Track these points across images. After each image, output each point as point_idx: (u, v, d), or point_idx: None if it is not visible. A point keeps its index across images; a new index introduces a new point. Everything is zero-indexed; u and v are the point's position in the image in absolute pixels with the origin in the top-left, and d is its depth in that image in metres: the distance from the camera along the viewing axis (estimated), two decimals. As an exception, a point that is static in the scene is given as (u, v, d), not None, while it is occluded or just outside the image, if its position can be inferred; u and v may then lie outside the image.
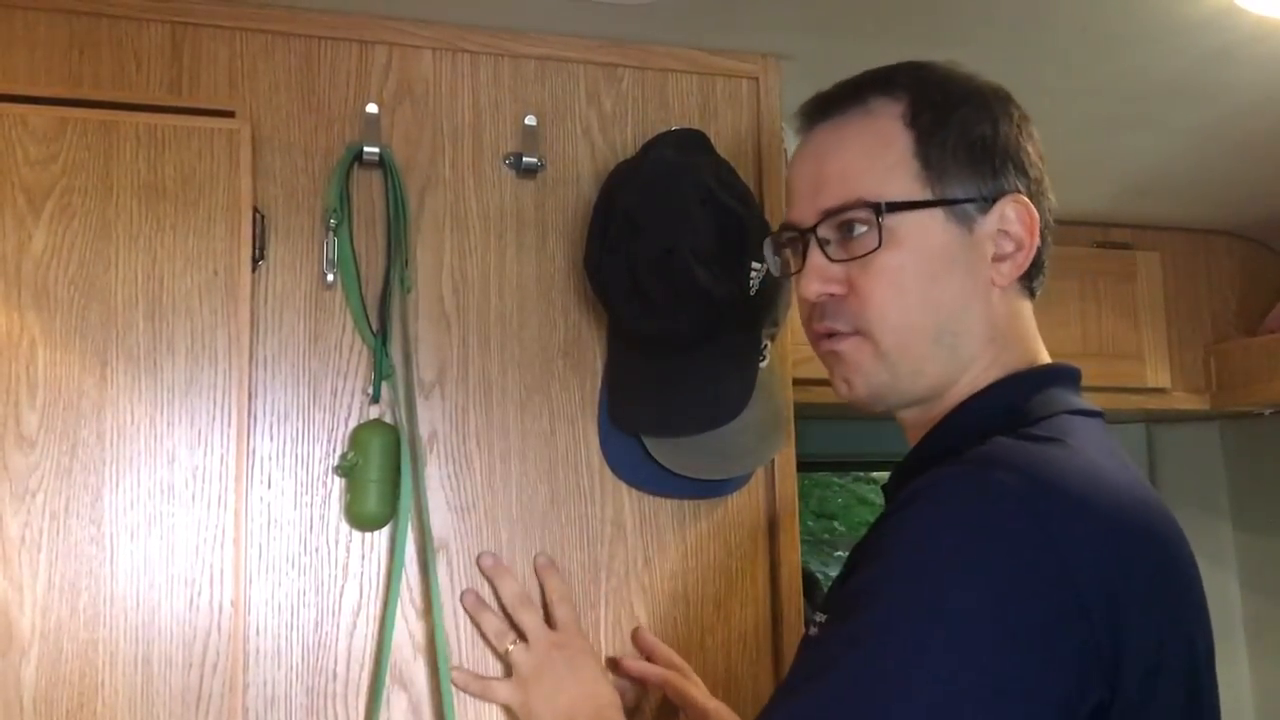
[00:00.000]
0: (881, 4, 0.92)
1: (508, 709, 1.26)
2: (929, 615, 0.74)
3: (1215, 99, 1.65)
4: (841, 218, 0.94)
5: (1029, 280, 0.95)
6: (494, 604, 1.29)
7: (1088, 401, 0.94)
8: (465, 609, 1.29)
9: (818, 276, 0.95)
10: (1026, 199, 0.92)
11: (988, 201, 0.92)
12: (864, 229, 0.92)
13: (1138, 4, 1.36)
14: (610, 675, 1.29)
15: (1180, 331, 2.36)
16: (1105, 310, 2.23)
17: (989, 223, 0.92)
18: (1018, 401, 0.90)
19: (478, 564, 1.30)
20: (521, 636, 1.25)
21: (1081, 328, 2.22)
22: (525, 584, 1.33)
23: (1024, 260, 0.92)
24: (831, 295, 0.95)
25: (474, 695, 1.27)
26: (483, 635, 1.28)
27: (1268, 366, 2.25)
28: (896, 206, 0.92)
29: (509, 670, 1.25)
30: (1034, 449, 0.82)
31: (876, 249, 0.91)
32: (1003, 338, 0.94)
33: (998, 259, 0.92)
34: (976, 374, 0.93)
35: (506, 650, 1.25)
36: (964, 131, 0.92)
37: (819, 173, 0.95)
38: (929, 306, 0.92)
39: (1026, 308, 0.96)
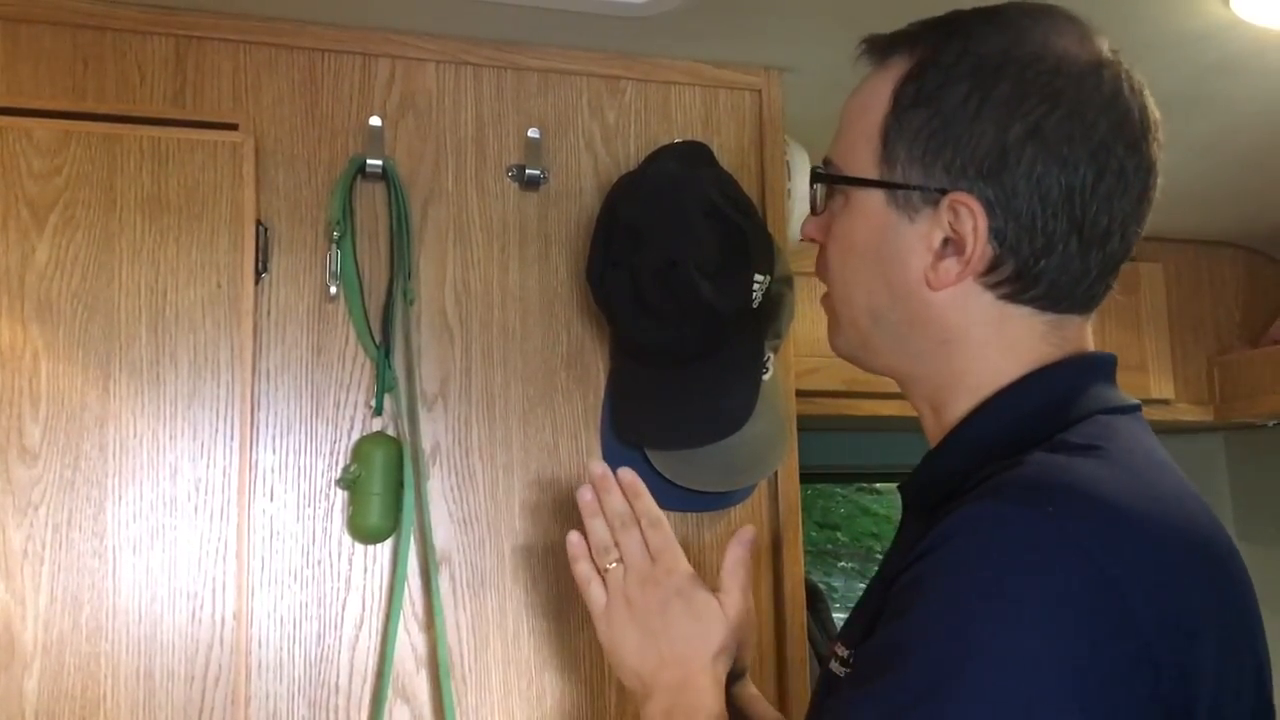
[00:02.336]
0: (883, 18, 0.91)
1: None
2: (986, 673, 0.68)
3: (1217, 111, 1.66)
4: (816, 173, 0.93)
5: (1021, 292, 0.83)
6: (496, 616, 1.29)
7: (1124, 393, 0.87)
8: (580, 507, 1.14)
9: (808, 221, 0.94)
10: (973, 200, 0.81)
11: (937, 194, 0.82)
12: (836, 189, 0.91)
13: (1138, 17, 1.36)
14: (716, 613, 1.07)
15: (1183, 343, 2.36)
16: (1108, 322, 2.23)
17: (933, 216, 0.83)
18: (1046, 403, 0.83)
19: (590, 471, 1.15)
20: (620, 559, 1.11)
21: (1084, 339, 2.21)
22: (527, 595, 1.32)
23: (970, 265, 0.82)
24: (814, 241, 0.94)
25: (578, 580, 1.12)
26: (589, 545, 1.12)
27: (1271, 378, 2.25)
28: (841, 179, 0.89)
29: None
30: (1074, 469, 0.75)
31: (837, 212, 0.90)
32: (977, 345, 0.85)
33: (938, 258, 0.83)
34: (979, 380, 0.86)
35: (605, 569, 1.11)
36: (939, 113, 0.82)
37: (839, 119, 0.93)
38: (862, 285, 0.88)
39: (1028, 320, 0.85)
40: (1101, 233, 0.82)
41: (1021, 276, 0.82)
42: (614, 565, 1.10)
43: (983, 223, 0.81)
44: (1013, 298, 0.84)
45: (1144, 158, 0.83)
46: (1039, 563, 0.69)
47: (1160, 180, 0.86)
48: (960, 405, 0.86)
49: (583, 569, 1.12)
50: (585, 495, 1.13)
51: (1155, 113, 0.85)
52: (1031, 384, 0.84)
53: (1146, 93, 0.85)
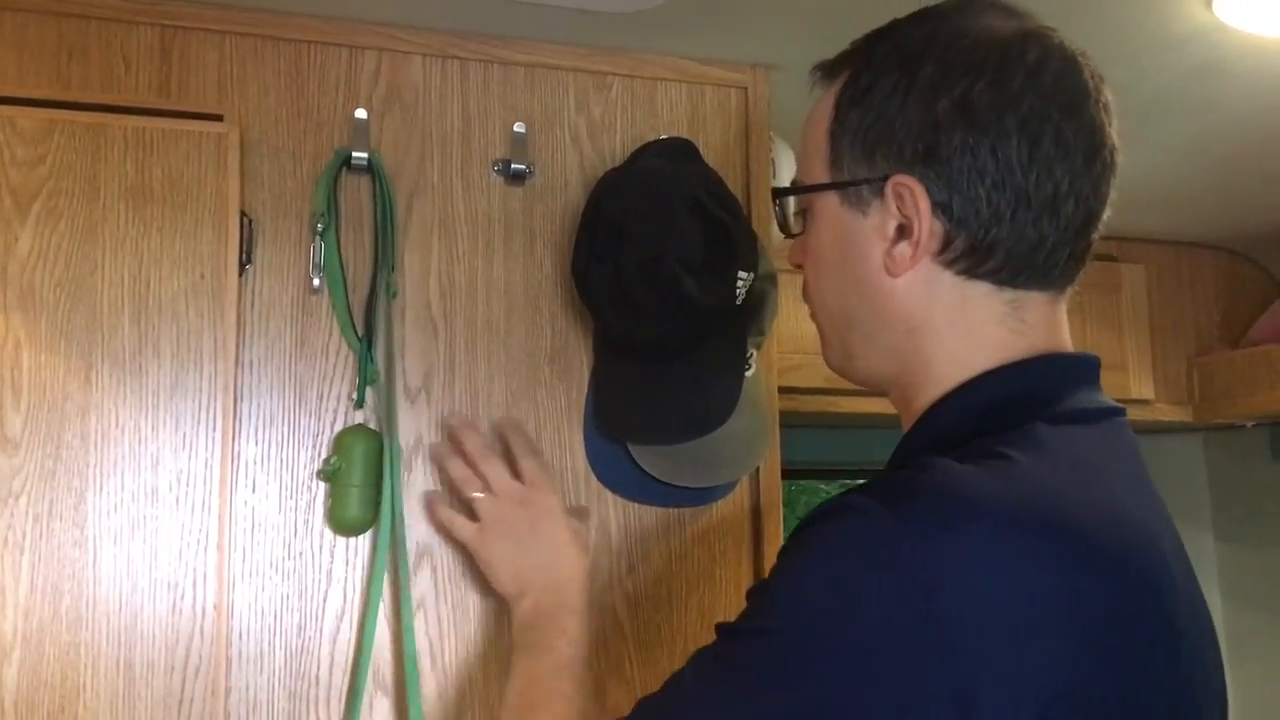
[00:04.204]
0: (870, 15, 0.91)
1: (467, 551, 1.26)
2: (791, 643, 0.74)
3: (1199, 114, 1.67)
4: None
5: (977, 265, 0.84)
6: (478, 609, 1.30)
7: (1097, 397, 0.87)
8: (432, 460, 1.30)
9: (792, 247, 0.97)
10: (912, 181, 0.83)
11: (881, 183, 0.85)
12: (801, 209, 0.94)
13: (1122, 20, 1.37)
14: (581, 537, 1.24)
15: (1164, 344, 2.37)
16: (1089, 322, 2.24)
17: (882, 206, 0.85)
18: (994, 402, 0.84)
19: (446, 422, 1.31)
20: (488, 488, 1.24)
21: (1066, 339, 2.23)
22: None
23: (921, 244, 0.84)
24: (799, 265, 0.96)
25: (438, 528, 1.28)
26: (449, 484, 1.28)
27: (1250, 379, 2.26)
28: (797, 190, 0.93)
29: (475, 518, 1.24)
30: (958, 478, 0.75)
31: (804, 230, 0.93)
32: (940, 331, 0.86)
33: (893, 244, 0.85)
34: (942, 370, 0.86)
35: (472, 498, 1.23)
36: (872, 107, 0.86)
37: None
38: (835, 292, 0.91)
39: (987, 299, 0.85)
40: (1048, 199, 0.83)
41: (975, 249, 0.84)
42: (481, 495, 1.22)
43: (924, 202, 0.83)
44: (970, 273, 0.85)
45: (1085, 121, 0.85)
46: (864, 561, 0.73)
47: (1118, 151, 0.87)
48: (925, 397, 0.88)
49: (441, 513, 1.26)
50: (440, 448, 1.29)
51: (1095, 79, 0.87)
52: (987, 382, 0.85)
53: (1083, 59, 0.87)
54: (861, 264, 0.87)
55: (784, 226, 0.99)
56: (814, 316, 0.96)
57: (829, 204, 0.89)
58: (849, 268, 0.89)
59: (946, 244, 0.84)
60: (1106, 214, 0.89)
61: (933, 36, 0.86)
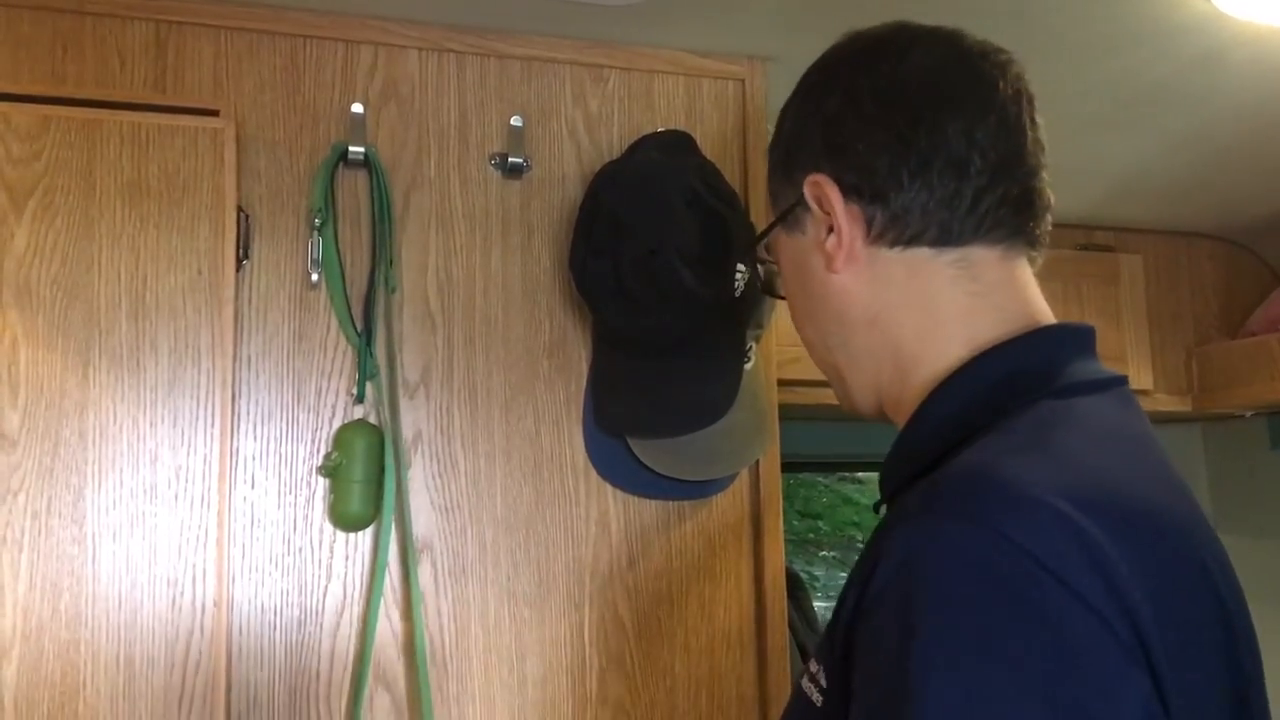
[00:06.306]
0: (866, 6, 0.91)
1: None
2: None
3: (1198, 103, 1.66)
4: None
5: (903, 232, 0.85)
6: (478, 604, 1.29)
7: (1096, 366, 0.85)
8: None
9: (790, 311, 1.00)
10: (815, 175, 0.87)
11: (803, 197, 0.89)
12: (774, 266, 0.99)
13: (1121, 9, 1.37)
14: None
15: (1162, 334, 2.37)
16: (1088, 312, 2.24)
17: (811, 216, 0.89)
18: (996, 384, 0.82)
19: None
20: None
21: (1064, 330, 2.23)
22: (509, 583, 1.33)
23: (844, 231, 0.86)
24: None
25: None
26: None
27: (1249, 369, 2.26)
28: (755, 241, 0.99)
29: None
30: (1002, 468, 0.72)
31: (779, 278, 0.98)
32: (898, 309, 0.86)
33: (822, 243, 0.88)
34: (914, 350, 0.86)
35: None
36: (783, 140, 0.93)
37: None
38: (807, 318, 0.94)
39: (930, 263, 0.85)
40: (951, 155, 0.85)
41: (896, 218, 0.85)
42: None
43: (833, 190, 0.87)
44: (901, 241, 0.86)
45: (970, 77, 0.87)
46: (995, 587, 0.66)
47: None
48: (910, 387, 0.87)
49: None
50: None
51: (979, 47, 0.89)
52: (978, 367, 0.84)
53: (962, 37, 0.90)
54: (813, 277, 0.90)
55: (769, 289, 1.04)
56: (819, 367, 0.97)
57: (782, 242, 0.94)
58: (808, 287, 0.92)
59: (870, 222, 0.86)
60: (1040, 157, 0.89)
61: (821, 61, 0.93)
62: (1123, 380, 0.86)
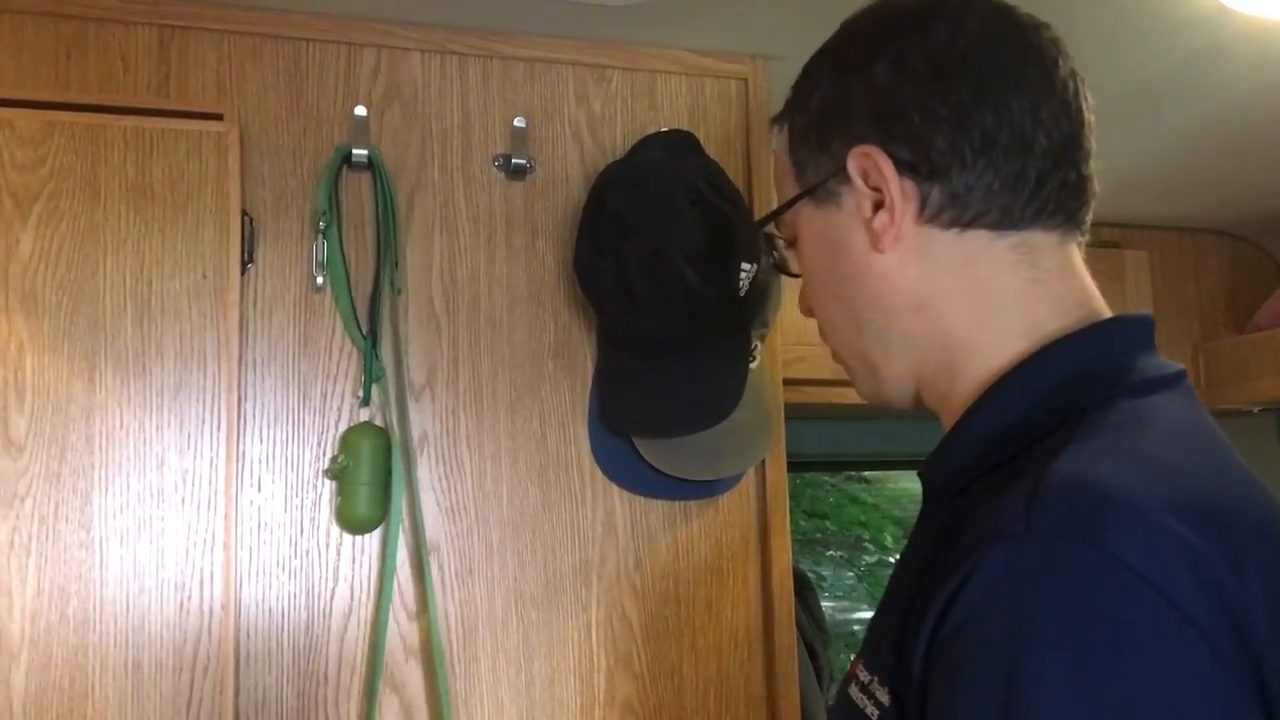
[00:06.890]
0: (869, 4, 0.91)
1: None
2: None
3: (1203, 98, 1.66)
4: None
5: (963, 213, 0.79)
6: (485, 605, 1.29)
7: (1160, 360, 0.80)
8: None
9: (800, 294, 0.92)
10: (868, 147, 0.80)
11: (842, 167, 0.82)
12: (789, 242, 0.91)
13: (1126, 3, 1.36)
14: None
15: (1169, 330, 2.36)
16: (1095, 308, 2.23)
17: (853, 189, 0.82)
18: (1063, 382, 0.77)
19: None
20: None
21: (1070, 326, 2.22)
22: (516, 584, 1.33)
23: (897, 209, 0.79)
24: (810, 311, 0.92)
25: None
26: None
27: (1256, 364, 2.26)
28: (775, 213, 0.90)
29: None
30: (1103, 478, 0.68)
31: (800, 261, 0.90)
32: (951, 295, 0.81)
33: (868, 220, 0.81)
34: (969, 340, 0.81)
35: None
36: (815, 108, 0.85)
37: None
38: (836, 300, 0.86)
39: (990, 248, 0.80)
40: (1014, 134, 0.79)
41: (956, 197, 0.79)
42: None
43: (887, 164, 0.79)
44: (960, 223, 0.80)
45: (1028, 52, 0.82)
46: (1109, 615, 0.63)
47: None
48: (963, 382, 0.82)
49: None
50: None
51: (1031, 20, 0.84)
52: (1044, 362, 0.79)
53: (1013, 9, 0.84)
54: (849, 257, 0.83)
55: (782, 266, 0.95)
56: (835, 355, 0.91)
57: (807, 216, 0.86)
58: (839, 267, 0.84)
59: (924, 201, 0.79)
60: (1092, 142, 0.84)
61: (852, 26, 0.86)
62: (1184, 373, 0.82)
